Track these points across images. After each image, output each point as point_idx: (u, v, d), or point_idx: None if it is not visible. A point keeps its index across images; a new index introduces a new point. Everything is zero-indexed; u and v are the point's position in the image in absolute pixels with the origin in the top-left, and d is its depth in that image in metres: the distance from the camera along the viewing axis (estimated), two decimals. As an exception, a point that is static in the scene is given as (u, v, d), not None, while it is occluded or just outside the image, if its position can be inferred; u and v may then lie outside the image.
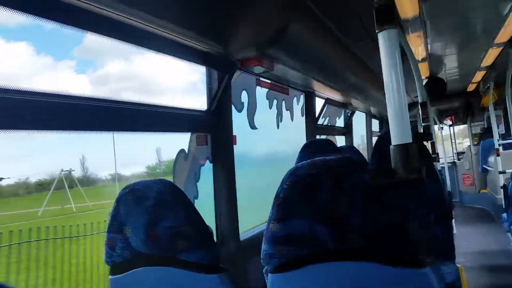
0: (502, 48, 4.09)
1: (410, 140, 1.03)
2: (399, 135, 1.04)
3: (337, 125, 4.75)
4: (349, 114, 5.06)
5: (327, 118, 4.38)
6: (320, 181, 1.04)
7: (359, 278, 1.03)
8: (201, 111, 2.15)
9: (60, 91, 1.35)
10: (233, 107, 2.39)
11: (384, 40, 1.05)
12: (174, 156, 2.15)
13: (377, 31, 1.05)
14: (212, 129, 2.21)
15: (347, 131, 5.05)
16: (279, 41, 2.04)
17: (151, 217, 1.25)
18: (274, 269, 1.12)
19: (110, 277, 1.36)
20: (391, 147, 1.05)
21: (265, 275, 1.17)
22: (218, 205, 2.26)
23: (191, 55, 1.97)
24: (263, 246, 1.11)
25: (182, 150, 2.12)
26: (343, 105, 4.71)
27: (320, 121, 4.05)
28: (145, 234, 1.26)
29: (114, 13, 1.44)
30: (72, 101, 1.39)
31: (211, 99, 2.19)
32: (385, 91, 1.06)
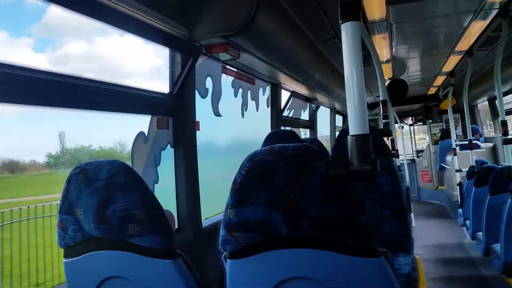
0: (461, 56, 4.28)
1: (367, 131, 1.04)
2: (356, 125, 1.04)
3: (302, 118, 4.83)
4: (314, 109, 5.15)
5: (293, 110, 4.44)
6: (277, 168, 1.05)
7: (313, 265, 1.05)
8: (163, 93, 2.13)
9: (12, 61, 1.28)
10: (197, 93, 2.39)
11: (346, 31, 1.06)
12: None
13: (340, 22, 1.07)
14: (174, 112, 2.19)
15: (311, 124, 5.15)
16: (246, 30, 2.05)
17: (102, 199, 1.22)
18: (230, 254, 1.13)
19: (64, 260, 1.34)
20: (348, 137, 1.06)
21: (223, 261, 1.18)
22: (180, 190, 2.24)
23: (155, 36, 1.94)
24: (221, 232, 1.12)
25: (141, 133, 2.09)
26: (309, 99, 4.79)
27: (285, 113, 4.11)
28: (97, 217, 1.23)
29: None
30: (27, 73, 1.32)
31: (173, 82, 2.17)
32: (345, 82, 1.07)
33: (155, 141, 2.18)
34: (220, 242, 1.13)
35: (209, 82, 2.61)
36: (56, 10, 1.42)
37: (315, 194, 1.02)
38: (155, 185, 2.21)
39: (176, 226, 2.24)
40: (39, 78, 1.36)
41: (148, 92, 2.00)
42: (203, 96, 2.56)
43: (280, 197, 1.04)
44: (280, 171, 1.04)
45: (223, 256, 1.19)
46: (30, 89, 1.34)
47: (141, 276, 1.26)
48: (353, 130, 1.05)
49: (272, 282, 1.09)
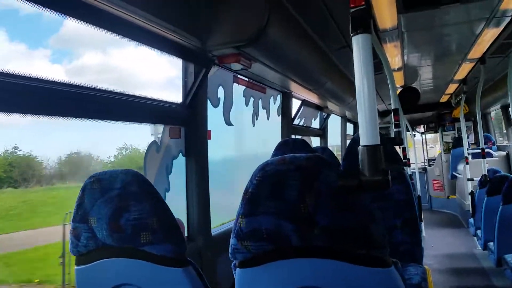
0: (474, 63, 4.25)
1: (378, 142, 1.05)
2: (367, 136, 1.05)
3: (312, 126, 4.83)
4: (324, 117, 5.14)
5: (303, 119, 4.44)
6: (289, 178, 1.06)
7: (323, 274, 1.06)
8: (175, 103, 2.15)
9: (28, 73, 1.30)
10: (208, 102, 2.41)
11: (357, 44, 1.07)
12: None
13: (351, 34, 1.08)
14: (186, 122, 2.21)
15: (322, 133, 5.14)
16: (258, 40, 2.07)
17: (116, 208, 1.24)
18: (241, 263, 1.13)
19: (75, 267, 1.35)
20: (359, 147, 1.06)
21: (233, 270, 1.19)
22: (190, 199, 2.26)
23: (169, 47, 1.97)
24: (232, 241, 1.13)
25: (154, 142, 2.11)
26: (319, 108, 4.79)
27: (296, 122, 4.11)
28: (110, 225, 1.25)
29: (96, 0, 1.44)
30: (43, 85, 1.35)
31: (186, 92, 2.20)
32: (356, 93, 1.07)
33: (167, 150, 2.20)
34: (230, 251, 1.14)
35: (220, 92, 2.64)
36: (72, 23, 1.46)
37: (326, 204, 1.02)
38: (167, 193, 2.23)
39: (186, 235, 2.25)
40: (54, 89, 1.40)
41: (161, 102, 2.02)
42: (215, 105, 2.58)
43: (291, 207, 1.05)
44: (291, 181, 1.05)
45: (232, 265, 1.19)
46: (45, 99, 1.37)
47: (152, 284, 1.27)
48: (364, 141, 1.05)
49: None
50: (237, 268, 1.15)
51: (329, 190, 1.02)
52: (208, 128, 2.37)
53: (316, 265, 1.06)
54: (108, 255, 1.29)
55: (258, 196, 1.08)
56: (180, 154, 2.27)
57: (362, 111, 1.06)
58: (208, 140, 2.36)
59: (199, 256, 2.17)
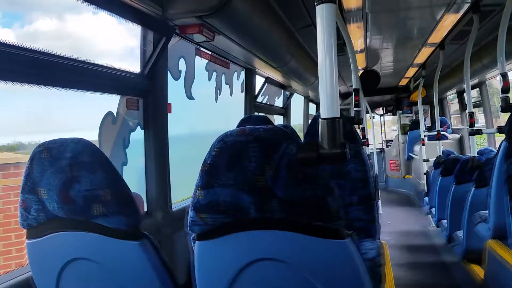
0: (434, 48, 4.37)
1: (338, 115, 1.04)
2: (327, 109, 1.04)
3: (276, 105, 4.83)
4: (288, 96, 5.16)
5: (267, 96, 4.43)
6: (248, 150, 1.04)
7: (281, 246, 1.07)
8: (133, 73, 2.06)
9: None
10: (169, 74, 2.34)
11: (321, 14, 1.04)
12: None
13: (315, 3, 1.05)
14: (144, 93, 2.13)
15: (285, 111, 5.16)
16: (221, 11, 2.00)
17: (67, 179, 1.19)
18: (198, 236, 1.12)
19: (26, 241, 1.30)
20: (319, 120, 1.05)
21: (192, 243, 1.18)
22: (149, 173, 2.20)
23: (127, 13, 1.87)
24: (190, 213, 1.11)
25: (109, 113, 2.02)
26: (283, 86, 4.79)
27: (259, 99, 4.10)
28: (61, 197, 1.20)
29: None
30: None
31: (145, 62, 2.11)
32: (318, 65, 1.06)
33: (124, 122, 2.12)
34: (188, 224, 1.12)
35: (182, 64, 2.56)
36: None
37: (284, 176, 1.02)
38: (124, 167, 2.16)
39: (146, 209, 2.21)
40: (3, 52, 1.30)
41: (117, 71, 1.93)
42: (176, 77, 2.50)
43: (250, 179, 1.04)
44: (250, 153, 1.04)
45: (191, 238, 1.18)
46: None
47: (107, 257, 1.24)
48: (324, 113, 1.04)
49: (239, 263, 1.10)
50: (196, 241, 1.13)
51: (288, 162, 1.02)
52: (169, 101, 2.30)
53: (274, 237, 1.06)
54: (60, 228, 1.24)
55: (216, 168, 1.06)
56: (139, 127, 2.21)
57: (323, 83, 1.05)
58: (169, 114, 2.30)
59: (157, 231, 2.14)
